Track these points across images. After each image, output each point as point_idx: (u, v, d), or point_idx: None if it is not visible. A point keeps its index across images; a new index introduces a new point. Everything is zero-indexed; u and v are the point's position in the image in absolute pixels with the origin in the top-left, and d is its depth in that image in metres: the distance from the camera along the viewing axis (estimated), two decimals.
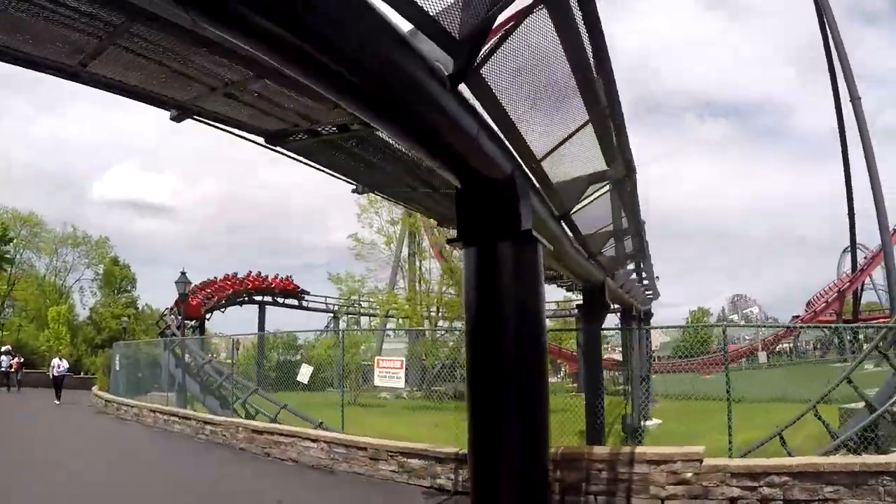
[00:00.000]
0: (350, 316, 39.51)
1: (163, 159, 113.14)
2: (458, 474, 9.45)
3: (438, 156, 3.64)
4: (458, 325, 31.07)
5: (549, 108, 4.35)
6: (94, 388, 25.30)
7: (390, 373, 12.51)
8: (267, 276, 37.86)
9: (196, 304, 33.11)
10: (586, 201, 6.48)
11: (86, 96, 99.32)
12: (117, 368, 22.18)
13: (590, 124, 4.77)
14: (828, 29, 33.66)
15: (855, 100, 32.10)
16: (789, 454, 8.79)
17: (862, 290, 43.59)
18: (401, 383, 12.54)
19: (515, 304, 3.89)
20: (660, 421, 17.80)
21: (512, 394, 3.77)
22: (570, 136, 4.76)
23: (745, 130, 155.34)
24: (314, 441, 11.45)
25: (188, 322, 32.58)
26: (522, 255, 4.00)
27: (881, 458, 7.32)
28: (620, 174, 5.84)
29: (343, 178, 7.51)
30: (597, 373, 10.93)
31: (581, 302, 11.56)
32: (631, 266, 13.76)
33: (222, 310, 34.80)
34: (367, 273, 31.89)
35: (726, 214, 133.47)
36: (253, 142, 5.96)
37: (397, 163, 7.02)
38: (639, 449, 8.28)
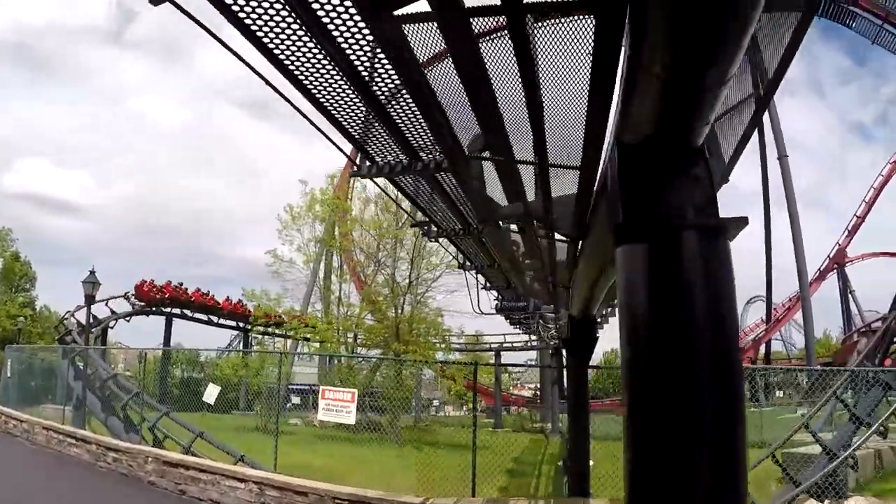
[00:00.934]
0: (260, 336, 36.22)
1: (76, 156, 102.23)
2: None
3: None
4: (375, 352, 29.13)
5: None
6: None
7: (338, 406, 10.55)
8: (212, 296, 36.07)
9: (147, 289, 31.64)
10: None
11: None
12: (9, 375, 18.95)
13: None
14: (760, 86, 34.93)
15: (782, 157, 32.61)
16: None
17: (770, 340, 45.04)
18: (350, 419, 10.56)
19: (708, 318, 2.61)
20: (591, 462, 16.87)
21: (706, 433, 2.47)
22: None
23: None
24: (241, 480, 9.38)
25: (141, 304, 31.47)
26: (715, 252, 2.73)
27: None
28: None
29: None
30: (584, 419, 9.85)
31: (565, 336, 10.24)
32: None
33: (128, 318, 31.26)
34: (284, 292, 29.40)
35: None
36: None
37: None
38: None
